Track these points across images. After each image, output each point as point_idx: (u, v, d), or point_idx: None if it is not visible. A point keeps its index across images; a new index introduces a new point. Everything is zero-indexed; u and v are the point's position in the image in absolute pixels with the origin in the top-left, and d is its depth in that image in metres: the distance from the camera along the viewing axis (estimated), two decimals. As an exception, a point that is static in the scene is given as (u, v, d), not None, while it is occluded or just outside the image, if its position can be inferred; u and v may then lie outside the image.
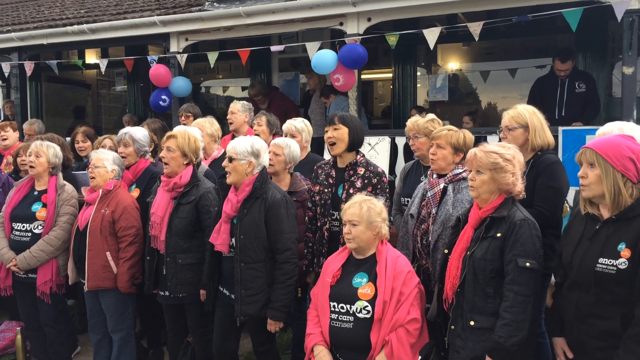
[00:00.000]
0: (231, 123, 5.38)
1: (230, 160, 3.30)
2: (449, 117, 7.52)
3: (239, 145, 3.29)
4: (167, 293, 3.75)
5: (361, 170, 3.56)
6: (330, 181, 3.63)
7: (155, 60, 6.97)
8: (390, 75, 8.33)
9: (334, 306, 3.00)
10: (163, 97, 6.95)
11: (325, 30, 7.04)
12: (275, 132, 4.91)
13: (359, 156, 3.62)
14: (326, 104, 7.23)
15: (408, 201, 3.66)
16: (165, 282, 3.74)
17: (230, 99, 10.05)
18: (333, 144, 3.55)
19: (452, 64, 8.57)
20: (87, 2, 8.70)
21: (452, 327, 2.73)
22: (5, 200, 4.79)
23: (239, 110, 5.30)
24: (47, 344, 4.26)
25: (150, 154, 5.09)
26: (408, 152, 5.59)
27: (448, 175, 3.36)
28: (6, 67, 7.80)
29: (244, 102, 5.47)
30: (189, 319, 3.82)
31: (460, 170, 3.33)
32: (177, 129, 3.98)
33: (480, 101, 8.67)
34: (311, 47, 6.24)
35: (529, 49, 7.91)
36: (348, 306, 2.96)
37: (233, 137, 5.52)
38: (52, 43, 7.42)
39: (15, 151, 5.34)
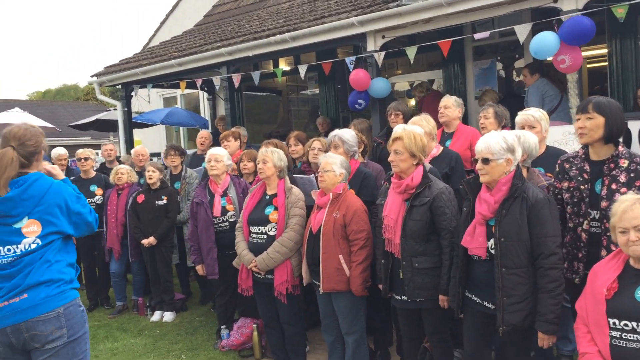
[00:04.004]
0: (442, 116, 5.17)
1: (486, 161, 3.06)
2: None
3: (493, 143, 3.05)
4: (404, 297, 3.67)
5: (624, 163, 3.10)
6: (585, 176, 3.21)
7: (353, 61, 7.02)
8: (601, 52, 7.43)
9: (614, 323, 2.62)
10: (360, 100, 6.99)
11: (525, 12, 6.50)
12: (505, 124, 4.58)
13: (620, 147, 3.16)
14: (525, 83, 6.68)
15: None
16: (401, 286, 3.66)
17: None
18: (583, 134, 3.15)
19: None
20: (282, 13, 9.13)
21: None
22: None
23: (452, 105, 5.09)
24: (286, 341, 4.47)
25: (359, 154, 5.13)
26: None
27: None
28: (217, 81, 8.51)
29: (456, 97, 5.23)
30: (427, 324, 3.70)
31: None
32: (401, 130, 3.86)
33: None
34: (521, 30, 5.77)
35: None
36: (634, 324, 2.56)
37: (443, 132, 5.32)
38: (257, 54, 7.89)
39: (239, 158, 5.75)
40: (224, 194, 5.23)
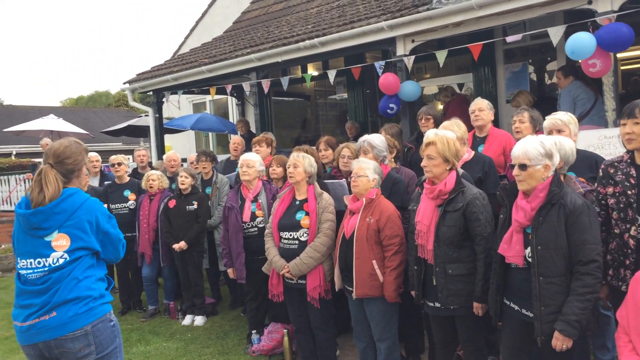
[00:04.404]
0: (477, 119, 5.11)
1: (524, 167, 3.00)
2: None
3: (530, 148, 2.99)
4: (437, 304, 3.63)
5: (676, 167, 3.02)
6: (632, 181, 3.13)
7: (382, 65, 7.01)
8: (634, 54, 7.27)
9: (657, 332, 2.55)
10: (391, 105, 6.96)
11: (557, 14, 6.39)
12: (539, 128, 4.51)
13: None
14: (559, 86, 6.55)
15: None
16: (434, 293, 3.63)
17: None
18: (631, 140, 3.07)
19: None
20: (311, 18, 9.17)
21: None
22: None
23: (486, 108, 5.03)
24: (317, 346, 4.47)
25: (392, 159, 5.11)
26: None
27: None
28: (246, 87, 8.58)
29: (487, 101, 5.17)
30: (461, 332, 3.65)
31: None
32: (433, 135, 3.83)
33: None
34: (554, 32, 5.67)
35: None
36: (679, 334, 2.48)
37: (474, 137, 5.25)
38: (286, 60, 7.94)
39: (269, 163, 5.78)
40: (255, 200, 5.26)
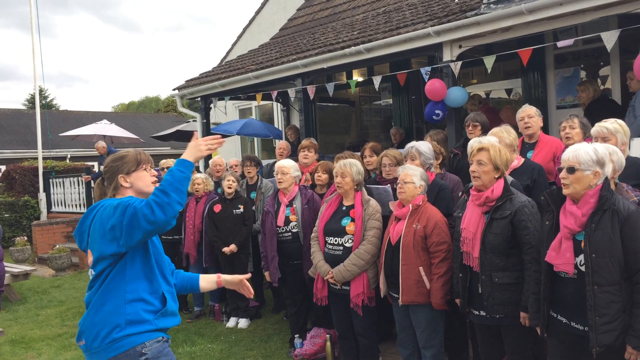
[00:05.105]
0: (528, 127, 4.99)
1: (572, 170, 2.93)
2: None
3: (582, 153, 2.91)
4: (482, 313, 3.57)
5: None
6: None
7: (428, 71, 6.95)
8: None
9: None
10: (437, 111, 6.89)
11: (611, 18, 6.19)
12: (588, 135, 4.38)
13: None
14: (631, 87, 6.27)
15: None
16: (480, 301, 3.57)
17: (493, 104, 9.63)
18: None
19: None
20: (357, 25, 9.19)
21: None
22: (309, 215, 5.22)
23: (535, 114, 4.92)
24: (360, 353, 4.46)
25: (437, 165, 5.06)
26: None
27: None
28: (292, 93, 8.67)
29: (535, 107, 5.06)
30: (507, 342, 3.57)
31: None
32: (485, 141, 3.77)
33: None
34: (608, 37, 5.50)
35: None
36: None
37: (523, 143, 5.14)
38: (331, 66, 7.97)
39: (315, 169, 5.82)
40: (289, 204, 5.32)
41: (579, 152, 2.92)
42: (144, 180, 2.70)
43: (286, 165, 5.37)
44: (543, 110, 7.77)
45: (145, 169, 2.72)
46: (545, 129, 6.89)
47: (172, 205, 2.38)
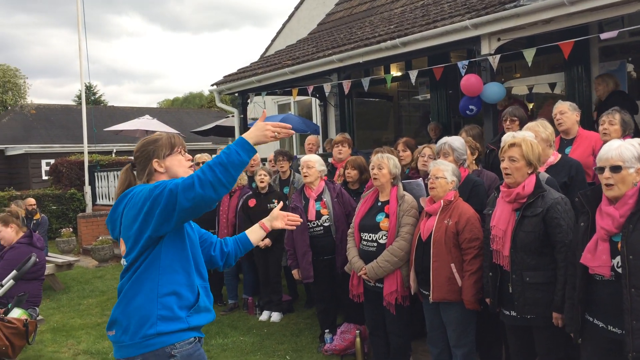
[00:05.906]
0: (560, 124, 4.84)
1: (617, 169, 2.78)
2: None
3: (625, 150, 2.77)
4: (513, 313, 3.47)
5: None
6: None
7: (465, 65, 6.80)
8: None
9: None
10: (471, 106, 6.75)
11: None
12: (628, 133, 4.21)
13: None
14: None
15: None
16: (510, 301, 3.47)
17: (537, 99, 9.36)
18: None
19: None
20: (394, 19, 9.08)
21: None
22: (339, 208, 5.20)
23: (568, 109, 4.76)
24: (391, 351, 4.41)
25: (473, 161, 4.94)
26: None
27: None
28: (327, 88, 8.64)
29: (569, 102, 4.89)
30: (539, 344, 3.46)
31: None
32: (519, 136, 3.65)
33: None
34: (655, 28, 5.26)
35: None
36: None
37: (561, 139, 4.98)
38: (367, 61, 7.90)
39: (346, 164, 5.78)
40: (319, 199, 5.30)
41: (622, 149, 2.78)
42: (180, 164, 2.50)
43: (312, 160, 5.36)
44: (587, 105, 7.51)
45: (180, 153, 2.51)
46: (589, 124, 6.65)
47: (216, 186, 2.13)
